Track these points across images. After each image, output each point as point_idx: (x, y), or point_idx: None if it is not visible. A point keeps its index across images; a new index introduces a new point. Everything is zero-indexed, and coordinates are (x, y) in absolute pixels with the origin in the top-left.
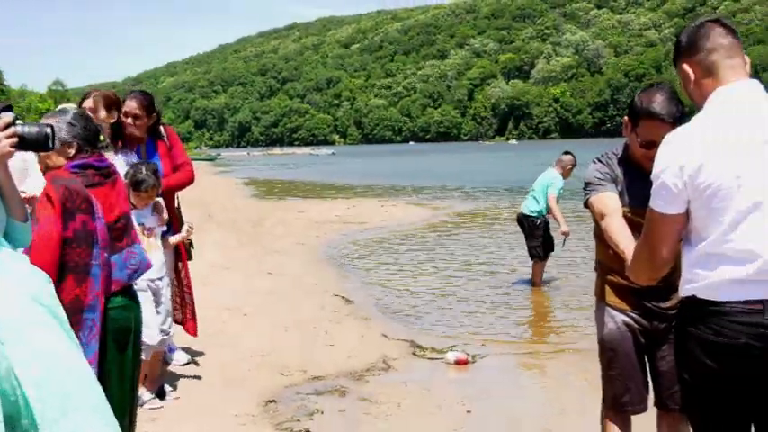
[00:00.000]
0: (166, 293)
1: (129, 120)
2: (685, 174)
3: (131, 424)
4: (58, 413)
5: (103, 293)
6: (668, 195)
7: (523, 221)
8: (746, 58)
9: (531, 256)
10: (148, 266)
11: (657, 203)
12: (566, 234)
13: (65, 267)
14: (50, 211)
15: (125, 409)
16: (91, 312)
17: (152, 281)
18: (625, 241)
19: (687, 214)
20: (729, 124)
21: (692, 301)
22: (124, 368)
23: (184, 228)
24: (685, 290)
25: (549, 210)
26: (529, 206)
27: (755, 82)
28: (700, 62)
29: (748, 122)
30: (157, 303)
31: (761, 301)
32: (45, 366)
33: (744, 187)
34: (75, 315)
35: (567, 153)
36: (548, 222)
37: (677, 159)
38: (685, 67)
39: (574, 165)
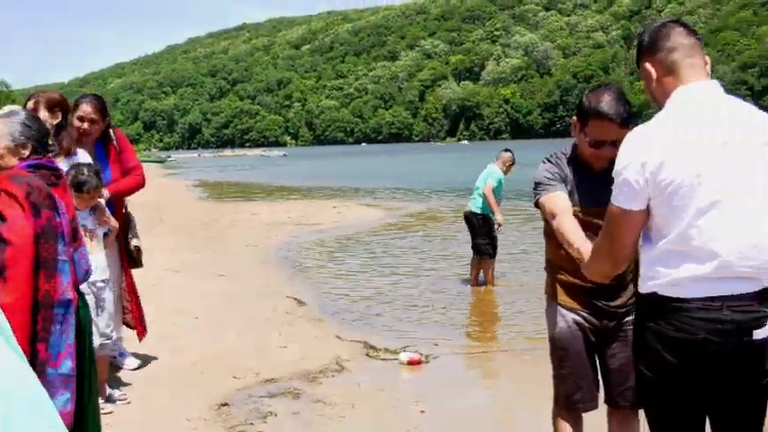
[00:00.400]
0: (108, 297)
1: (86, 124)
2: (647, 171)
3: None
4: (26, 415)
5: (74, 288)
6: (630, 192)
7: (472, 219)
8: (707, 58)
9: (481, 253)
10: (91, 270)
11: (619, 199)
12: (500, 225)
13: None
14: (18, 207)
15: (96, 407)
16: (62, 307)
17: (93, 284)
18: (579, 240)
19: (647, 211)
20: (690, 124)
21: (653, 297)
22: (85, 368)
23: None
24: (646, 286)
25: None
26: (477, 204)
27: (715, 82)
28: (661, 61)
29: (708, 122)
30: (99, 306)
31: (720, 298)
32: (6, 374)
33: (704, 186)
34: (47, 310)
35: (507, 150)
36: (492, 221)
37: (639, 156)
38: (647, 65)
39: (513, 162)
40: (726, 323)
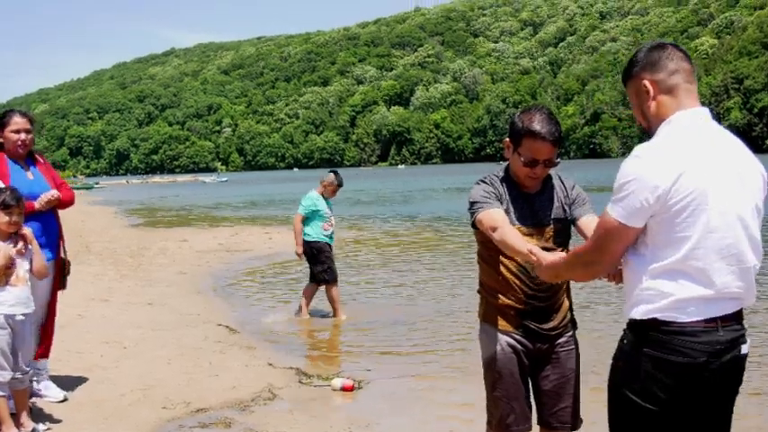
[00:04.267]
0: (29, 331)
1: (22, 135)
2: (660, 189)
3: None
4: None
5: None
6: (636, 209)
7: (307, 249)
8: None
9: (319, 281)
10: None
11: (620, 213)
12: (299, 255)
13: None
14: None
15: None
16: None
17: (11, 317)
18: (527, 243)
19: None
20: (697, 148)
21: (652, 322)
22: None
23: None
24: (643, 310)
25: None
26: (306, 232)
27: (707, 110)
28: (661, 81)
29: (712, 148)
30: (17, 342)
31: (715, 319)
32: None
33: (710, 207)
34: None
35: (332, 171)
36: (328, 245)
37: (650, 175)
38: (646, 82)
39: (336, 185)
40: (723, 343)
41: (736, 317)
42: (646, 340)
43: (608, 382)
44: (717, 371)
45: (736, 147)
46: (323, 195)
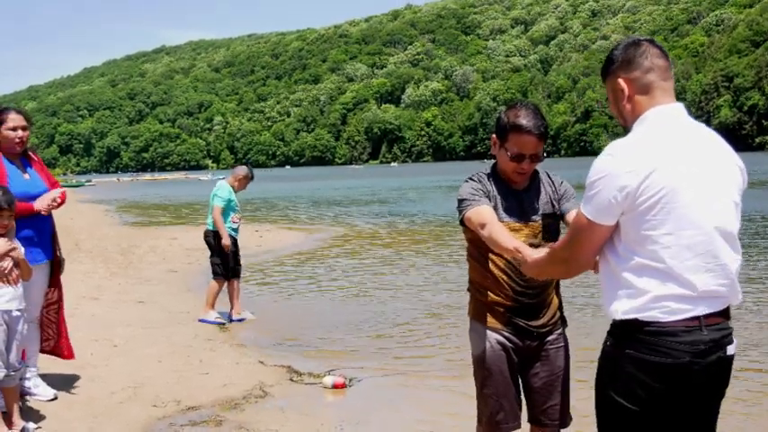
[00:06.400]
0: (22, 327)
1: (20, 132)
2: (629, 187)
3: None
4: None
5: None
6: (605, 206)
7: (211, 238)
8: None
9: (214, 274)
10: None
11: (590, 210)
12: (226, 247)
13: None
14: None
15: None
16: None
17: (8, 312)
18: (513, 241)
19: (616, 225)
20: (668, 145)
21: (632, 322)
22: None
23: None
24: (623, 311)
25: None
26: (211, 222)
27: (681, 105)
28: (636, 79)
29: (685, 145)
30: (11, 337)
31: (697, 318)
32: None
33: (678, 206)
34: None
35: (244, 164)
36: (234, 238)
37: (620, 172)
38: (621, 81)
39: (247, 177)
40: (706, 343)
41: (722, 315)
42: (627, 341)
43: (594, 382)
44: (701, 372)
45: (712, 141)
46: (232, 188)
